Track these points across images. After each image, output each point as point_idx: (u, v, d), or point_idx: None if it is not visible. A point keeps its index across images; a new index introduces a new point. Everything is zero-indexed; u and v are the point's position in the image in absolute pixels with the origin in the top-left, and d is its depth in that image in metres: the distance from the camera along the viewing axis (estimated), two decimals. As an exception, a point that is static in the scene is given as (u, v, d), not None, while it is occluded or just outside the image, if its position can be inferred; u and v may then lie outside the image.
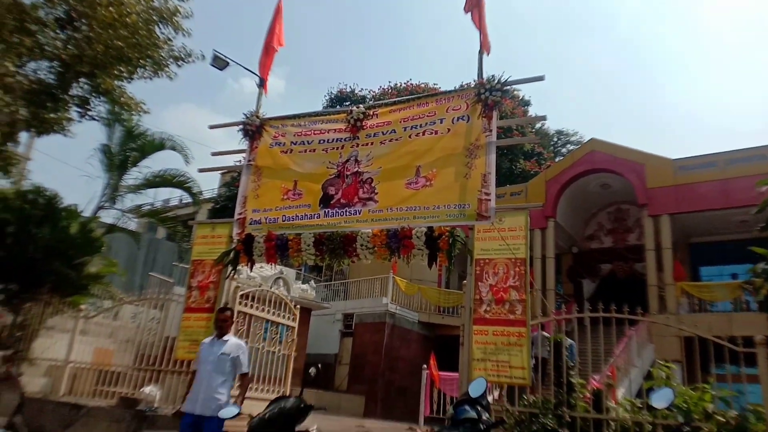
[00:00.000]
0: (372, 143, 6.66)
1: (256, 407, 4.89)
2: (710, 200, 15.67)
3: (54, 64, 8.90)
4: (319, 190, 6.69)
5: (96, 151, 11.77)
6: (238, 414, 4.24)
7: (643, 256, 16.69)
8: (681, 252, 17.52)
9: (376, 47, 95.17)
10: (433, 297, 18.19)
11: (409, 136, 6.46)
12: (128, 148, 11.88)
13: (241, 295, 7.66)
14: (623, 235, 19.62)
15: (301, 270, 18.99)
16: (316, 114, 7.47)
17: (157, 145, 12.09)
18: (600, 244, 20.18)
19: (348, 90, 30.35)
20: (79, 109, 9.67)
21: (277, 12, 8.20)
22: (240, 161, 8.04)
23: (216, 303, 6.74)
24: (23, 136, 11.65)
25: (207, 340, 5.05)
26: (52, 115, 8.99)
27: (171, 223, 13.86)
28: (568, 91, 77.77)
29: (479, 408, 3.36)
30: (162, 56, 9.40)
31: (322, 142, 6.99)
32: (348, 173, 6.63)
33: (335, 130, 6.96)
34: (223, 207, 25.18)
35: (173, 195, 34.35)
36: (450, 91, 6.63)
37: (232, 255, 6.88)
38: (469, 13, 6.58)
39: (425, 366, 11.78)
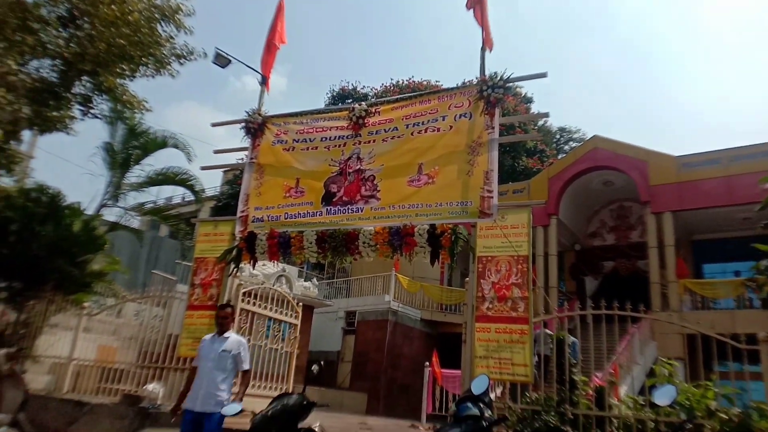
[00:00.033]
0: (374, 141, 6.65)
1: (258, 404, 4.91)
2: (713, 197, 15.62)
3: (56, 63, 8.93)
4: (322, 188, 6.68)
5: (98, 149, 11.79)
6: (241, 411, 4.26)
7: (646, 254, 16.68)
8: (684, 249, 17.47)
9: (378, 45, 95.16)
10: (436, 294, 18.17)
11: (412, 134, 6.45)
12: (131, 146, 11.88)
13: (244, 293, 7.68)
14: (626, 232, 19.57)
15: (303, 268, 18.98)
16: (318, 111, 7.43)
17: (160, 143, 12.09)
18: (603, 242, 20.15)
19: (350, 87, 30.29)
20: (81, 108, 9.70)
21: (279, 10, 8.19)
22: (242, 159, 8.03)
23: (219, 300, 6.77)
24: (26, 134, 11.74)
25: (208, 336, 5.05)
26: (54, 114, 9.03)
27: (174, 221, 13.88)
28: (569, 91, 77.75)
29: (482, 405, 3.36)
30: (164, 54, 9.43)
31: (324, 139, 6.98)
32: (350, 171, 6.62)
33: (337, 127, 6.95)
34: (226, 205, 25.21)
35: (176, 193, 34.62)
36: (452, 89, 6.60)
37: (234, 252, 6.89)
38: (471, 10, 6.55)
39: (427, 363, 11.78)
